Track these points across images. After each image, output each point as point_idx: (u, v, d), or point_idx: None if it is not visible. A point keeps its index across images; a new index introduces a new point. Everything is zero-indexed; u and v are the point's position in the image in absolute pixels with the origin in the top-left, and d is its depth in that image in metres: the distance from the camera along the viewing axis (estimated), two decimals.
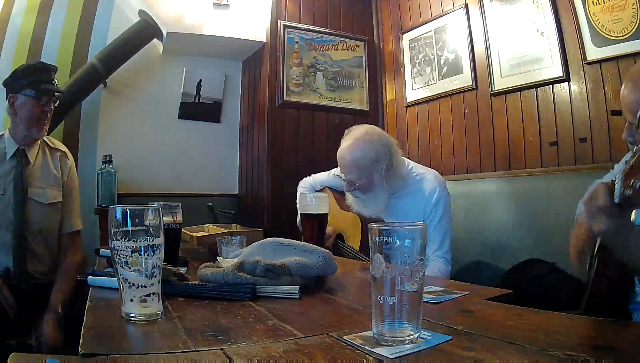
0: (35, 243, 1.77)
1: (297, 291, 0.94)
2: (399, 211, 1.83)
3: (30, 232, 1.75)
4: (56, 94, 1.81)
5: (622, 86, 1.00)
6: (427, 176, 1.85)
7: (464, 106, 2.67)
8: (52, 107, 1.80)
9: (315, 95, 3.08)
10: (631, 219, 0.72)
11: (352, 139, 1.81)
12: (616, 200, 0.75)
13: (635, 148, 0.76)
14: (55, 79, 1.81)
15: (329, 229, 2.02)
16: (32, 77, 1.72)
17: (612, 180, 0.81)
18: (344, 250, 1.97)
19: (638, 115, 0.93)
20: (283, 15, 3.04)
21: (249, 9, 2.98)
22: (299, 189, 2.25)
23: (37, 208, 1.78)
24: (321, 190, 2.21)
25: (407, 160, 1.92)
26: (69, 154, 1.96)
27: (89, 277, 1.05)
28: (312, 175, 2.30)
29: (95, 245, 2.18)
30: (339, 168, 2.00)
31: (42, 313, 1.60)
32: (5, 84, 1.75)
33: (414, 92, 3.02)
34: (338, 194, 2.13)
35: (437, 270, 1.70)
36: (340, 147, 1.84)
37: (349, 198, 1.90)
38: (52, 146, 1.91)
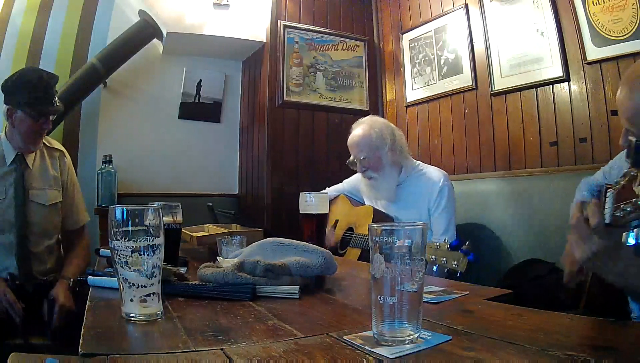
0: (37, 244, 1.78)
1: (297, 291, 0.94)
2: (407, 200, 1.97)
3: (32, 233, 1.76)
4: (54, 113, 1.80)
5: (618, 90, 1.00)
6: (431, 169, 2.03)
7: (464, 106, 2.67)
8: (50, 125, 1.80)
9: (315, 95, 3.08)
10: (622, 241, 0.72)
11: (359, 124, 2.07)
12: (607, 221, 0.74)
13: (626, 170, 0.76)
14: (55, 94, 1.78)
15: (328, 230, 2.08)
16: (31, 95, 1.69)
17: (586, 201, 0.80)
18: (352, 238, 2.04)
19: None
20: (283, 15, 3.04)
21: (249, 9, 2.98)
22: None
23: (38, 209, 1.79)
24: (336, 197, 2.28)
25: (413, 159, 2.10)
26: (66, 153, 1.97)
27: (89, 277, 1.05)
28: (326, 188, 2.39)
29: (95, 245, 2.18)
30: (349, 180, 2.27)
31: (44, 313, 1.63)
32: (3, 90, 1.73)
33: (414, 92, 3.02)
34: (353, 198, 2.26)
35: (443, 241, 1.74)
36: (350, 135, 2.07)
37: (363, 186, 2.07)
38: (49, 146, 1.91)
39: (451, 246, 1.36)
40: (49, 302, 1.62)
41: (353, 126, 2.09)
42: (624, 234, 0.72)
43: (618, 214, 0.72)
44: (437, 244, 1.41)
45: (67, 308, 1.62)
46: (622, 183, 0.74)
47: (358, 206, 2.16)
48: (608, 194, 0.74)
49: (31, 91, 1.70)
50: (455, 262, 1.34)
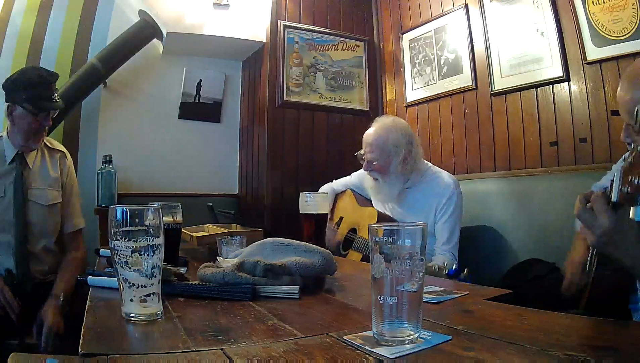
0: (35, 244, 1.78)
1: (297, 291, 0.94)
2: (413, 202, 1.96)
3: (31, 233, 1.76)
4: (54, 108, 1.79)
5: (619, 87, 1.00)
6: (443, 174, 2.00)
7: (464, 106, 2.67)
8: (50, 121, 1.80)
9: (315, 95, 3.08)
10: (630, 216, 0.71)
11: (380, 123, 2.00)
12: (614, 199, 0.74)
13: (634, 145, 0.75)
14: (55, 91, 1.79)
15: (331, 227, 2.08)
16: (31, 92, 1.70)
17: (603, 189, 0.80)
18: (355, 240, 2.04)
19: (636, 113, 0.92)
20: (283, 15, 3.04)
21: (249, 9, 2.98)
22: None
23: (37, 209, 1.78)
24: (343, 192, 2.26)
25: (425, 161, 2.07)
26: (68, 154, 1.97)
27: (89, 277, 1.05)
28: (333, 181, 2.38)
29: (95, 245, 2.18)
30: (359, 173, 2.21)
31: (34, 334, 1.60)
32: (4, 88, 1.74)
33: (414, 92, 3.02)
34: (359, 195, 2.23)
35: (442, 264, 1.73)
36: (367, 130, 2.02)
37: (369, 184, 2.05)
38: (50, 146, 1.91)
39: (449, 274, 1.34)
40: (37, 323, 1.58)
41: (376, 119, 2.04)
42: (632, 209, 0.71)
43: (625, 189, 0.72)
44: (437, 267, 1.39)
45: (56, 329, 1.57)
46: (629, 159, 0.74)
47: (363, 207, 2.14)
48: (616, 172, 0.73)
49: (31, 88, 1.71)
50: None
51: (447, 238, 1.88)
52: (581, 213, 0.81)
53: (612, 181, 0.78)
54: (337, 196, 2.28)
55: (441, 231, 1.89)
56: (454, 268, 1.35)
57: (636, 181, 0.70)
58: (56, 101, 1.79)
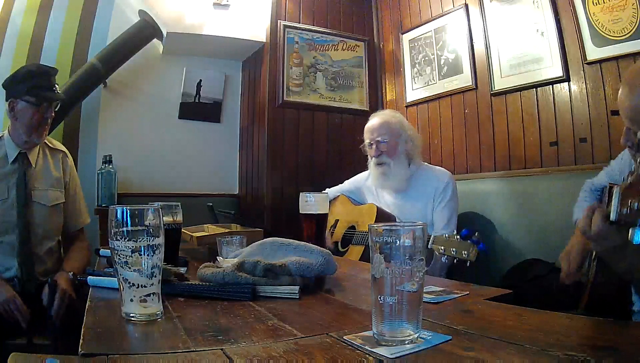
0: (39, 245, 1.77)
1: (297, 291, 0.94)
2: (412, 194, 2.05)
3: (34, 234, 1.76)
4: (56, 99, 1.80)
5: (619, 90, 1.00)
6: (437, 168, 2.14)
7: (464, 106, 2.67)
8: (53, 113, 1.79)
9: (315, 95, 3.08)
10: (629, 238, 0.72)
11: (379, 113, 2.18)
12: (613, 218, 0.74)
13: (634, 167, 0.76)
14: (56, 84, 1.79)
15: (327, 231, 2.09)
16: (32, 83, 1.70)
17: (602, 200, 0.81)
18: (354, 235, 2.05)
19: (638, 140, 0.93)
20: (283, 15, 3.04)
21: (249, 9, 2.98)
22: None
23: (40, 210, 1.78)
24: (335, 198, 2.28)
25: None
26: (69, 154, 1.98)
27: (89, 277, 1.05)
28: (326, 189, 2.41)
29: (95, 245, 2.18)
30: (351, 179, 2.31)
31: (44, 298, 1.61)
32: (4, 86, 1.74)
33: (414, 92, 3.02)
34: (353, 199, 2.28)
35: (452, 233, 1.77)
36: (368, 123, 2.16)
37: (372, 178, 2.12)
38: (52, 146, 1.91)
39: (462, 235, 1.38)
40: (50, 288, 1.59)
41: (372, 115, 2.19)
42: (630, 230, 0.71)
43: (625, 211, 0.72)
44: (447, 235, 1.43)
45: (69, 295, 1.58)
46: (629, 180, 0.74)
47: (360, 205, 2.17)
48: (615, 191, 0.74)
49: (31, 78, 1.71)
50: (466, 252, 1.36)
51: (446, 223, 1.93)
52: (583, 226, 0.82)
53: (608, 189, 0.78)
54: (329, 202, 2.30)
55: (439, 217, 1.96)
56: (465, 229, 1.39)
57: (636, 204, 0.70)
58: (57, 92, 1.79)
